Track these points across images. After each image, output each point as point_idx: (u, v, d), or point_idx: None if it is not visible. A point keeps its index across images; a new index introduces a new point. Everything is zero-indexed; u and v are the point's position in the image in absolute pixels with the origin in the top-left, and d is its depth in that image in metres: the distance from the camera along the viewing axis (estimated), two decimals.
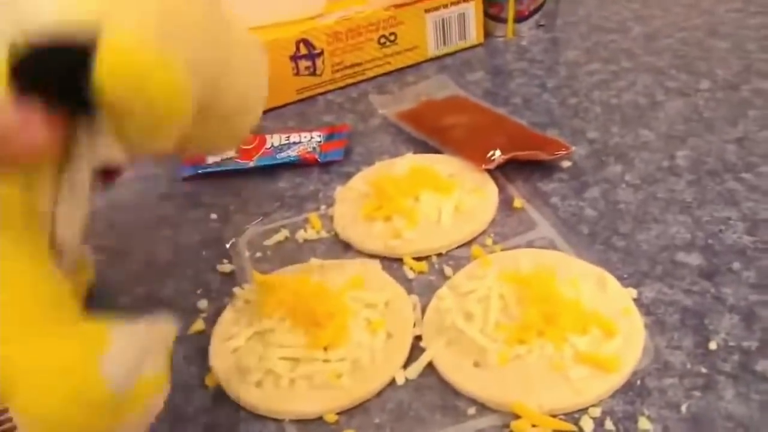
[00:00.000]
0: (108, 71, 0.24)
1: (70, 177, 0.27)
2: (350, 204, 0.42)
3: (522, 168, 0.44)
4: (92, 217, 0.30)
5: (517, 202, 0.41)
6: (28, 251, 0.25)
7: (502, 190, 0.42)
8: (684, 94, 0.51)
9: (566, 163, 0.44)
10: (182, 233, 0.44)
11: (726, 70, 0.53)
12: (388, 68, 0.59)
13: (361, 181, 0.44)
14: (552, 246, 0.38)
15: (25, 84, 0.24)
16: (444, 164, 0.44)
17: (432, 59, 0.61)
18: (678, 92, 0.51)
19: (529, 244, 0.38)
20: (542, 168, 0.44)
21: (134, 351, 0.24)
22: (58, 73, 0.24)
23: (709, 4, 0.64)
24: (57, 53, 0.24)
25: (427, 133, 0.47)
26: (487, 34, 0.63)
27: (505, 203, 0.42)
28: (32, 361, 0.23)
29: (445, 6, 0.59)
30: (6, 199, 0.25)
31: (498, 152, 0.42)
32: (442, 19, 0.59)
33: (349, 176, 0.46)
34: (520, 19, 0.63)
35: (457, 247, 0.39)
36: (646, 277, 0.35)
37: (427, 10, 0.59)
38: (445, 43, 0.61)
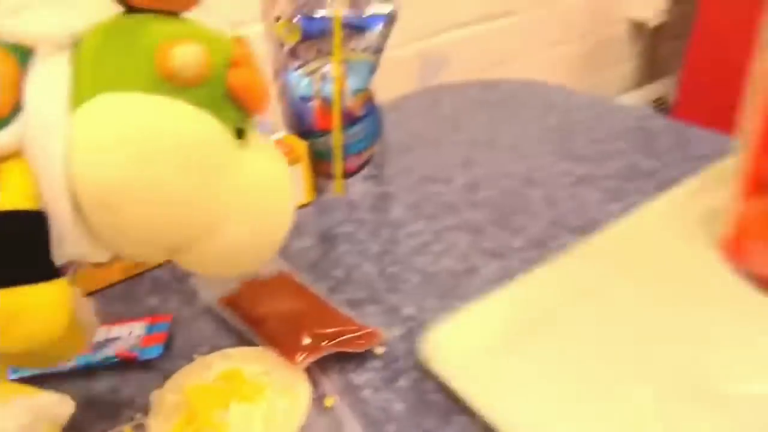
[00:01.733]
0: None
1: None
2: (163, 419, 0.41)
3: (338, 357, 0.44)
4: None
5: (328, 401, 0.41)
6: None
7: (316, 385, 0.43)
8: (498, 255, 0.53)
9: (380, 349, 0.45)
10: None
11: (538, 224, 0.56)
12: None
13: (175, 386, 0.43)
14: None
15: None
16: (257, 362, 0.44)
17: None
18: (493, 254, 0.53)
19: None
20: (357, 356, 0.45)
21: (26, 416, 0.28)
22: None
23: (528, 148, 0.68)
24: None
25: (244, 322, 0.47)
26: (320, 191, 0.65)
27: (318, 401, 0.42)
28: None
29: None
30: None
31: (305, 355, 0.43)
32: None
33: (167, 375, 0.45)
34: (348, 174, 0.65)
35: None
36: None
37: None
38: None
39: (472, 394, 0.40)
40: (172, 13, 0.31)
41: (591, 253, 0.51)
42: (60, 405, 0.33)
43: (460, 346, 0.43)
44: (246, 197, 0.32)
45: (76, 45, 0.29)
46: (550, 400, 0.39)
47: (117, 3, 0.30)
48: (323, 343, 0.44)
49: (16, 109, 0.29)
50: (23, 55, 0.29)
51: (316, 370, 0.44)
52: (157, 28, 0.30)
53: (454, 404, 0.41)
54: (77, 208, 0.29)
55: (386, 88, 0.85)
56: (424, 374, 0.43)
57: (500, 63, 1.22)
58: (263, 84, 0.32)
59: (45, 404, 0.32)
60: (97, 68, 0.29)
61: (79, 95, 0.29)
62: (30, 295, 0.29)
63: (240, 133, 0.32)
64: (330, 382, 0.43)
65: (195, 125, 0.30)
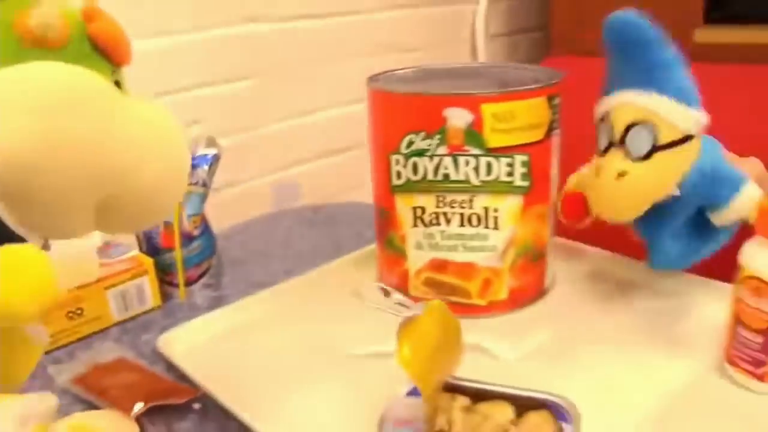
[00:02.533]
0: None
1: None
2: None
3: (162, 410, 0.58)
4: None
5: None
6: None
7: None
8: None
9: (197, 405, 0.60)
10: None
11: None
12: (78, 336, 0.73)
13: None
14: None
15: None
16: (100, 418, 0.58)
17: (116, 324, 0.76)
18: None
19: None
20: (178, 409, 0.59)
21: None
22: None
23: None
24: None
25: (91, 394, 0.61)
26: (167, 297, 0.80)
27: None
28: None
29: (123, 282, 0.75)
30: None
31: (137, 410, 0.57)
32: (122, 292, 0.75)
33: None
34: (190, 282, 0.80)
35: None
36: None
37: (106, 287, 0.74)
38: (126, 310, 0.76)
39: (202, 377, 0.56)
40: None
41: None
42: (42, 402, 0.34)
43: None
44: (148, 135, 0.33)
45: None
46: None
47: None
48: (150, 401, 0.58)
49: None
50: None
51: (145, 421, 0.58)
52: (10, 2, 0.31)
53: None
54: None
55: (244, 213, 1.03)
56: (228, 419, 0.58)
57: (351, 188, 1.42)
58: (123, 32, 0.33)
59: (27, 405, 0.34)
60: None
61: None
62: (18, 253, 0.30)
63: (117, 85, 0.34)
64: (155, 428, 0.57)
65: (79, 77, 0.31)
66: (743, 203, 0.59)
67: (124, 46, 0.33)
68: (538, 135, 0.63)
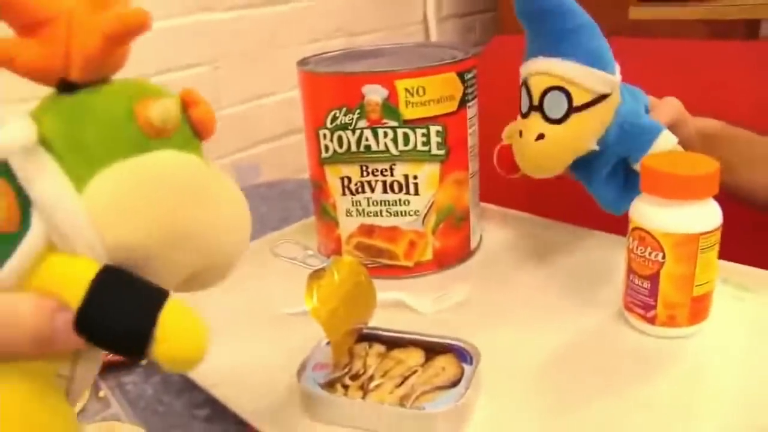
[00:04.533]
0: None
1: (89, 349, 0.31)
2: None
3: (111, 368, 0.64)
4: None
5: (101, 393, 0.61)
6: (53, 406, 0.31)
7: (96, 384, 0.62)
8: None
9: (144, 360, 0.66)
10: None
11: None
12: None
13: None
14: None
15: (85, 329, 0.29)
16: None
17: None
18: None
19: None
20: (127, 365, 0.65)
21: None
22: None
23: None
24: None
25: None
26: None
27: (95, 394, 0.62)
28: None
29: None
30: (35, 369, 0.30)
31: None
32: None
33: None
34: None
35: None
36: None
37: None
38: None
39: None
40: (103, 80, 0.32)
41: None
42: None
43: None
44: (235, 217, 0.35)
45: (39, 140, 0.29)
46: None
47: (53, 85, 0.31)
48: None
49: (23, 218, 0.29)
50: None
51: (97, 378, 0.64)
52: (117, 95, 0.32)
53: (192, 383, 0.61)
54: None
55: None
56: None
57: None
58: (213, 112, 0.35)
59: None
60: (80, 152, 0.30)
61: (78, 181, 0.29)
62: (173, 311, 0.30)
63: None
64: (104, 382, 0.63)
65: (196, 168, 0.32)
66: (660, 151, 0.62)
67: (215, 124, 0.34)
68: (451, 107, 0.68)
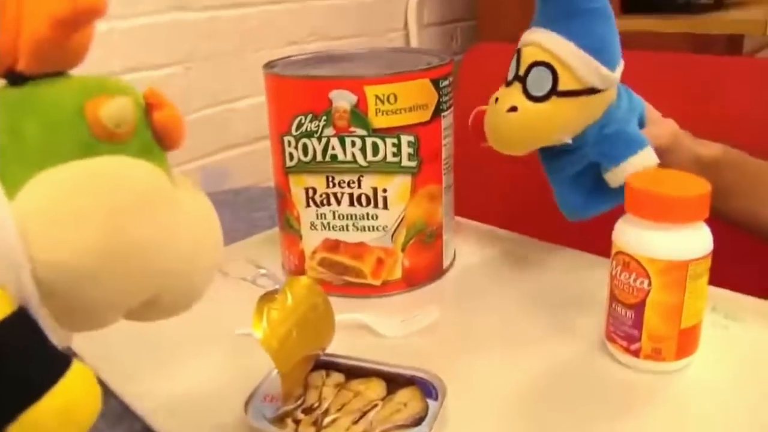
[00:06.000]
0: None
1: None
2: None
3: None
4: None
5: None
6: None
7: None
8: None
9: None
10: None
11: None
12: None
13: None
14: None
15: None
16: None
17: None
18: None
19: None
20: None
21: None
22: None
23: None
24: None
25: None
26: None
27: None
28: None
29: None
30: None
31: None
32: None
33: None
34: None
35: None
36: None
37: None
38: None
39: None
40: (58, 74, 0.29)
41: None
42: None
43: None
44: (199, 235, 0.31)
45: None
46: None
47: (2, 76, 0.28)
48: None
49: None
50: None
51: None
52: (69, 89, 0.28)
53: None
54: (46, 295, 0.27)
55: None
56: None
57: None
58: (181, 118, 0.31)
59: None
60: (17, 150, 0.27)
61: (11, 183, 0.26)
62: (69, 387, 0.27)
63: None
64: None
65: (148, 176, 0.29)
66: (635, 168, 0.58)
67: (182, 132, 0.31)
68: (424, 116, 0.64)
